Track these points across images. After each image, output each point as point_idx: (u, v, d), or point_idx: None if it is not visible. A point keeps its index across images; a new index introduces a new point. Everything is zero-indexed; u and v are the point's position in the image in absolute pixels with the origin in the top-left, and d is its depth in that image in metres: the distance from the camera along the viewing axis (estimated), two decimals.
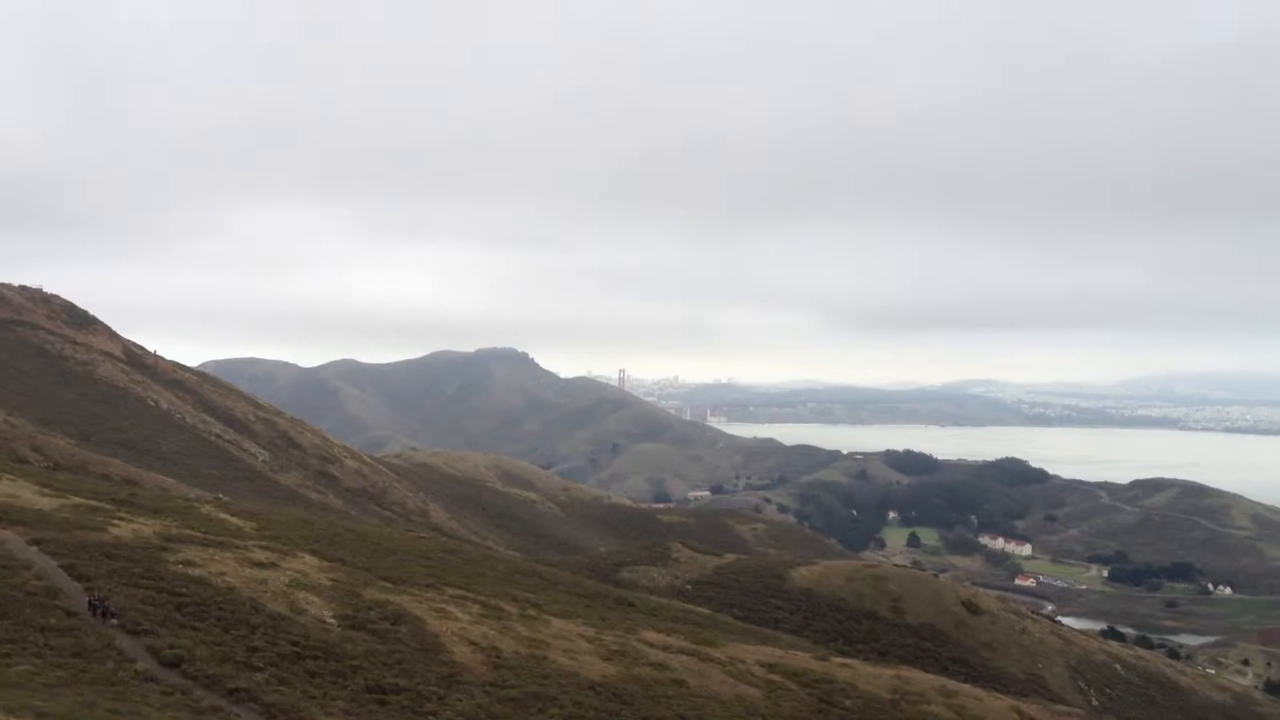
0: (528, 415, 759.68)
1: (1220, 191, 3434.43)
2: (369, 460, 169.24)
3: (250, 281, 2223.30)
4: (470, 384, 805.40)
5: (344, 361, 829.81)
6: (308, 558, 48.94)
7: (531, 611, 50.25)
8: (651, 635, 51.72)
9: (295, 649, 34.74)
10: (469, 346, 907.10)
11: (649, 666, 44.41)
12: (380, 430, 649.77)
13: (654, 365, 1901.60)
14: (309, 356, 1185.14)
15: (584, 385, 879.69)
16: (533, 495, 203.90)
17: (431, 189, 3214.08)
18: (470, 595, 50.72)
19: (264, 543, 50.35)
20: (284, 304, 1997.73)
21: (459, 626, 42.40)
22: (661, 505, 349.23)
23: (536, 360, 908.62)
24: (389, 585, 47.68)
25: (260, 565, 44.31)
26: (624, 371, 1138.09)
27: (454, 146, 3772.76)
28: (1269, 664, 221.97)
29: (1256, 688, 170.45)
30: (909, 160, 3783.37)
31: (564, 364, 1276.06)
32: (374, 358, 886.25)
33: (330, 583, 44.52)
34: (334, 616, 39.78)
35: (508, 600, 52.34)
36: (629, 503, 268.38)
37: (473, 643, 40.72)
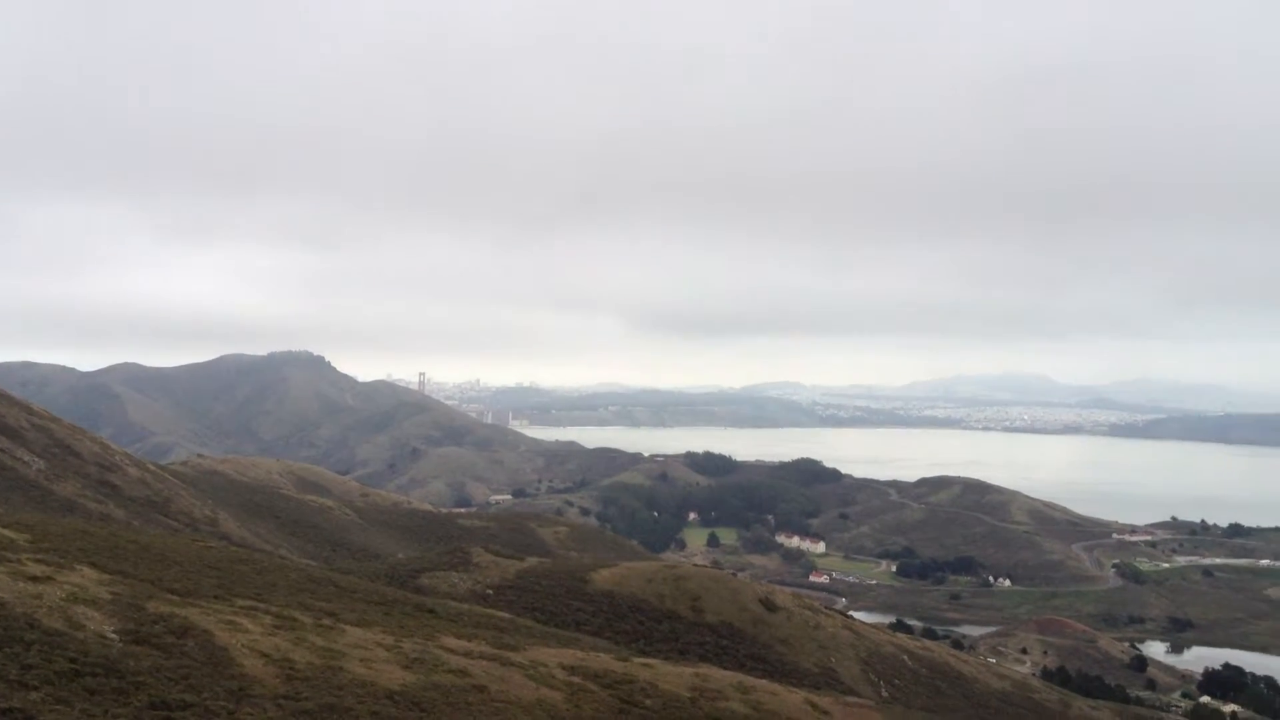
0: (324, 419, 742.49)
1: (1002, 202, 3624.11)
2: (153, 468, 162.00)
3: (23, 281, 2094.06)
4: (263, 388, 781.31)
5: (126, 365, 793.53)
6: (86, 570, 46.47)
7: (327, 621, 48.95)
8: (452, 641, 51.08)
9: (73, 666, 32.92)
10: (261, 349, 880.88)
11: (449, 673, 43.83)
12: (165, 436, 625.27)
13: (455, 368, 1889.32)
14: (88, 360, 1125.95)
15: (383, 389, 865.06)
16: (329, 501, 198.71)
17: (221, 186, 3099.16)
18: (262, 606, 49.06)
19: (39, 555, 47.54)
20: (60, 305, 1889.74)
21: (250, 638, 40.95)
22: (463, 510, 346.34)
23: (333, 363, 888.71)
24: (175, 597, 45.70)
25: (35, 579, 41.83)
26: (424, 374, 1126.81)
27: (243, 142, 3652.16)
28: (1045, 652, 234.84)
29: (1034, 675, 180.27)
30: (711, 167, 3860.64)
31: (362, 367, 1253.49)
32: (159, 361, 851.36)
33: (111, 596, 42.38)
34: (115, 631, 37.86)
35: (302, 610, 50.84)
36: (429, 508, 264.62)
37: (264, 655, 39.38)
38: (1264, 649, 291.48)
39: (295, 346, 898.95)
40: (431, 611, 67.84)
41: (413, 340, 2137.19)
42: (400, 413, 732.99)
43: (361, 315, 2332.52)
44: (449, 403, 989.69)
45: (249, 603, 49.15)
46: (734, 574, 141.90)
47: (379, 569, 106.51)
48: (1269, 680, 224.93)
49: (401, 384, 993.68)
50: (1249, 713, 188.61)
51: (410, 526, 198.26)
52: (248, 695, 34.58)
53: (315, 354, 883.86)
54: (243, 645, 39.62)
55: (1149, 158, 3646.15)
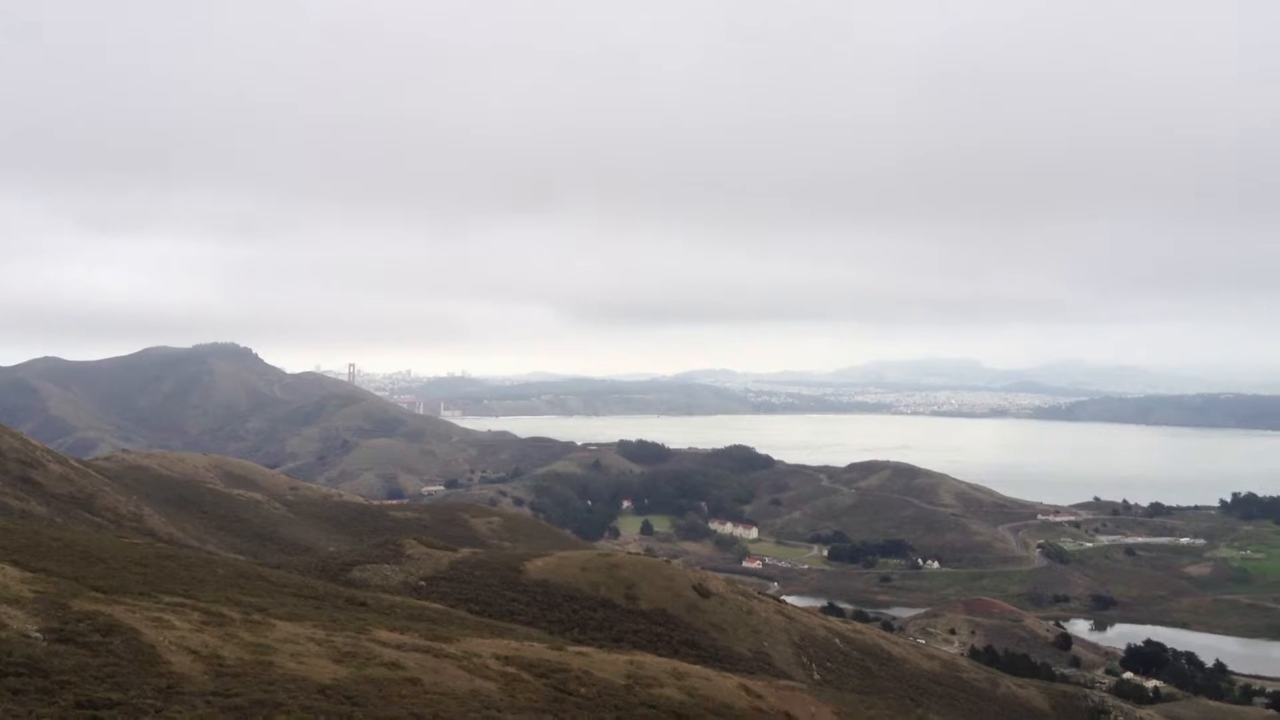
0: (252, 413, 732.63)
1: (931, 190, 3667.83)
2: (76, 464, 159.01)
3: None
4: (188, 381, 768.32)
5: (47, 359, 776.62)
6: (9, 569, 45.55)
7: (256, 616, 48.38)
8: (385, 634, 50.73)
9: None
10: (186, 342, 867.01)
11: (382, 666, 43.53)
12: (89, 432, 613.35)
13: (386, 359, 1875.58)
14: (7, 355, 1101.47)
15: (312, 381, 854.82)
16: (258, 495, 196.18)
17: (146, 176, 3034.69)
18: (190, 602, 48.40)
19: None
20: None
21: (177, 635, 40.36)
22: (394, 501, 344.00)
23: (261, 356, 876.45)
24: (100, 595, 44.94)
25: None
26: (354, 366, 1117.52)
27: (169, 130, 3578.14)
28: (973, 632, 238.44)
29: (962, 655, 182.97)
30: (644, 157, 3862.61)
31: (290, 359, 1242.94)
32: (81, 355, 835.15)
33: (34, 594, 41.55)
34: (39, 630, 37.14)
35: (230, 606, 50.23)
36: (361, 500, 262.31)
37: (193, 651, 38.84)
38: (1184, 625, 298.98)
39: (221, 338, 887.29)
40: (363, 604, 67.41)
41: (342, 332, 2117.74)
42: (330, 404, 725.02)
43: (289, 307, 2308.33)
44: (379, 394, 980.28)
45: (176, 599, 48.49)
46: (668, 561, 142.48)
47: (310, 563, 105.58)
48: (1190, 656, 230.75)
49: (331, 375, 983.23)
50: (1170, 688, 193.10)
51: (341, 519, 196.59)
52: (176, 692, 34.12)
53: (242, 346, 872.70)
54: (170, 642, 39.08)
55: (1075, 149, 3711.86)
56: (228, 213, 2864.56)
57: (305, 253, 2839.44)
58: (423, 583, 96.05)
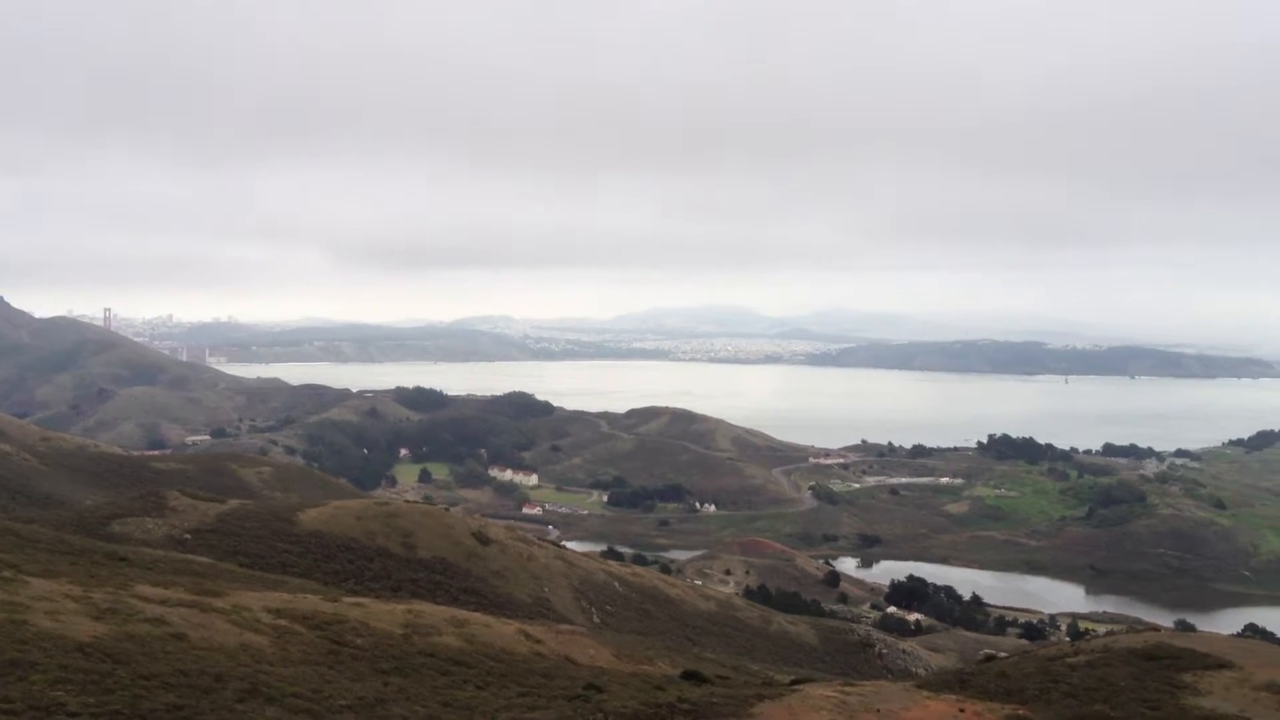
0: None
1: (711, 139, 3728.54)
2: None
3: None
4: None
5: None
6: None
7: (7, 573, 45.47)
8: (147, 590, 48.48)
9: None
10: None
11: (145, 622, 41.61)
12: None
13: (145, 303, 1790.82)
14: None
15: (64, 325, 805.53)
16: (6, 447, 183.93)
17: None
18: None
19: None
20: None
21: None
22: (157, 452, 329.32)
23: (5, 298, 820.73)
24: None
25: None
26: (110, 310, 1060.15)
27: None
28: (747, 572, 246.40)
29: (737, 594, 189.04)
30: (417, 96, 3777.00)
31: (39, 302, 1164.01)
32: None
33: None
34: None
35: None
36: (120, 451, 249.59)
37: None
38: (944, 560, 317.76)
39: None
40: (124, 559, 64.34)
41: (96, 273, 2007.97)
42: (84, 351, 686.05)
43: (36, 246, 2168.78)
44: (139, 340, 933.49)
45: None
46: (447, 509, 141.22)
47: (64, 517, 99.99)
48: (949, 590, 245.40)
49: (85, 320, 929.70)
50: (931, 620, 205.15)
51: (98, 471, 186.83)
52: None
53: None
54: None
55: (846, 100, 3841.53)
56: None
57: (54, 189, 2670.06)
58: (188, 536, 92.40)
